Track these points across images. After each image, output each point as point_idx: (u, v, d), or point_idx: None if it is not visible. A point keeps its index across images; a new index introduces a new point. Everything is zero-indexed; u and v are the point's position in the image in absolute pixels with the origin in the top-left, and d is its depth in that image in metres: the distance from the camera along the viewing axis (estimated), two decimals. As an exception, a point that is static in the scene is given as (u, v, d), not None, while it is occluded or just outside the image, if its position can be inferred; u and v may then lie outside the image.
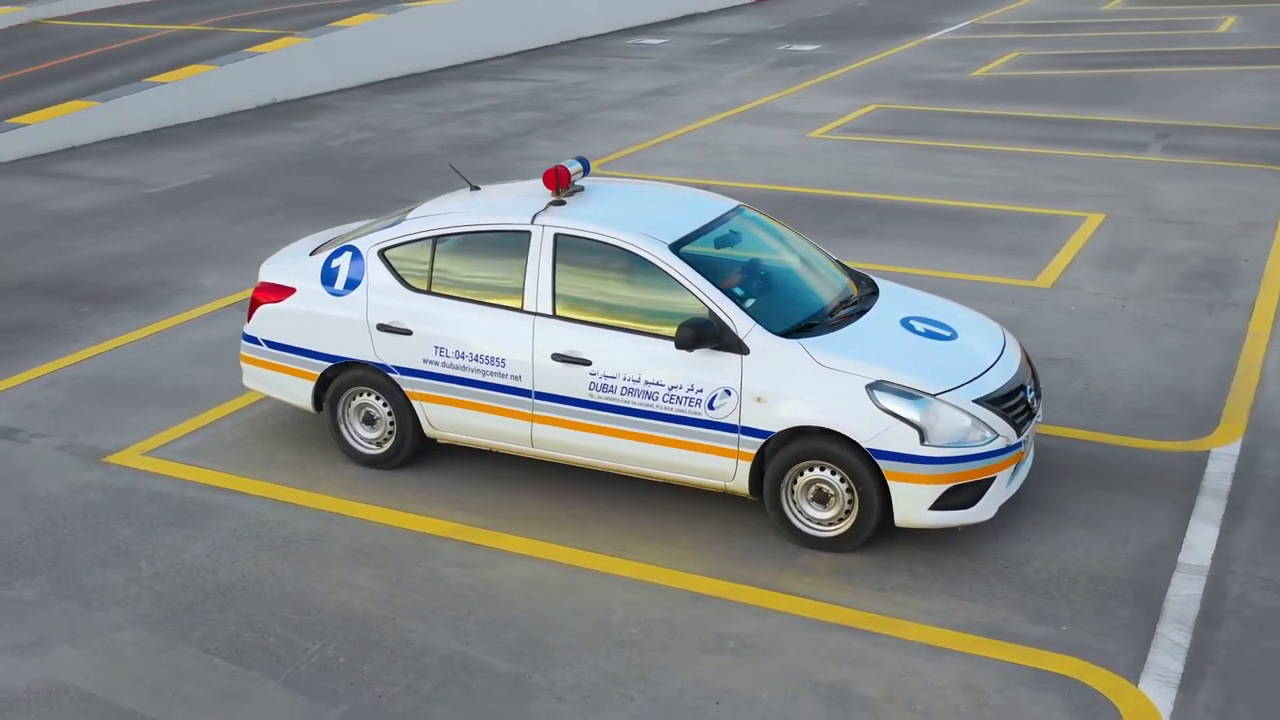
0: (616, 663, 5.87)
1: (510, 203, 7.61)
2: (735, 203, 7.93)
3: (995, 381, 6.80)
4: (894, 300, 7.44)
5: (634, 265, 7.02)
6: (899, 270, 11.20)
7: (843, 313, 7.17)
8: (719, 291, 6.83)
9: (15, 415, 8.65)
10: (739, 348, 6.71)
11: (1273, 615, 6.17)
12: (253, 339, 7.97)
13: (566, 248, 7.16)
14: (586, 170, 7.73)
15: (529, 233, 7.24)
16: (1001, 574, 6.58)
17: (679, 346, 6.68)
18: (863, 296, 7.45)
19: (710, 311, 6.77)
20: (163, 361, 9.52)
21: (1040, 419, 7.30)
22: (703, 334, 6.66)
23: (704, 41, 27.55)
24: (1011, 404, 6.81)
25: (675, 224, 7.25)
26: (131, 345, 9.89)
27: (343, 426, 7.81)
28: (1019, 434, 6.74)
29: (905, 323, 7.14)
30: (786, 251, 7.77)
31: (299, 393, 7.88)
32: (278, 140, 17.65)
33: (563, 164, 7.51)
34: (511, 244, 7.29)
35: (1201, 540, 6.85)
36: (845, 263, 8.04)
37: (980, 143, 16.73)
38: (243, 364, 8.12)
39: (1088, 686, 5.65)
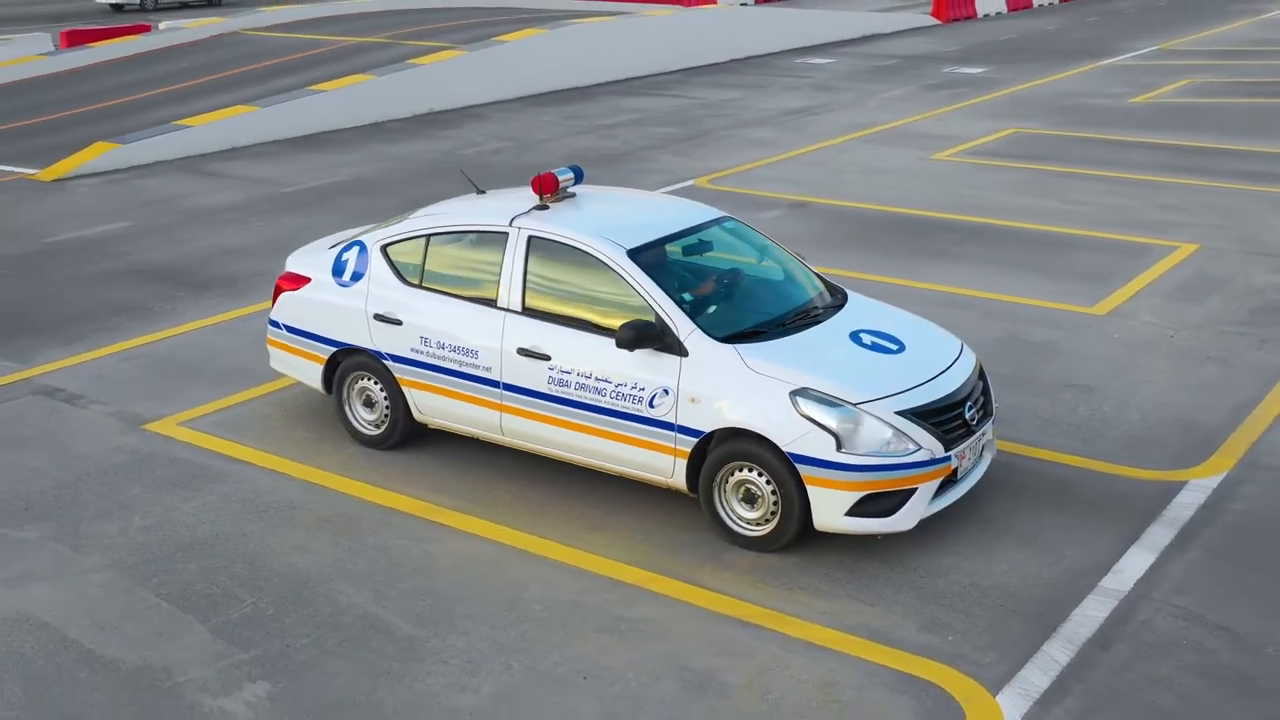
0: (510, 634, 6.27)
1: (498, 206, 8.09)
2: (719, 213, 8.23)
3: (929, 395, 6.93)
4: (854, 313, 7.62)
5: (594, 268, 7.41)
6: (947, 289, 11.31)
7: (796, 322, 7.39)
8: (666, 296, 7.16)
9: (84, 384, 9.58)
10: (679, 350, 7.03)
11: (1171, 641, 6.14)
12: (275, 324, 8.67)
13: (538, 249, 7.60)
14: (579, 179, 8.16)
15: (506, 234, 7.71)
16: (915, 583, 6.71)
17: (619, 345, 7.04)
18: (825, 308, 7.65)
19: (655, 314, 7.11)
20: (227, 343, 10.35)
21: (989, 436, 7.37)
22: (642, 335, 7.00)
23: (871, 62, 27.58)
24: (945, 419, 6.92)
25: (643, 231, 7.60)
26: (207, 328, 10.78)
27: (346, 408, 8.43)
28: (947, 449, 6.85)
29: (854, 335, 7.32)
30: (760, 263, 8.03)
31: (312, 374, 8.54)
32: (420, 147, 18.62)
33: (551, 171, 7.96)
34: (491, 244, 7.78)
35: (1132, 566, 6.82)
36: (822, 275, 8.22)
37: (1105, 169, 16.42)
38: (268, 347, 8.83)
39: (945, 693, 5.77)
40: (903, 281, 11.67)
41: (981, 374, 7.49)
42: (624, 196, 9.04)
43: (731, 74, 26.01)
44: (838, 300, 7.81)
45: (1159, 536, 7.13)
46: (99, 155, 17.19)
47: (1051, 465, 8.03)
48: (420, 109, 21.19)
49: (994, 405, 7.52)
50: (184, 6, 41.40)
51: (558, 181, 7.93)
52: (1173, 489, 7.70)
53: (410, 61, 21.76)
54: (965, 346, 7.62)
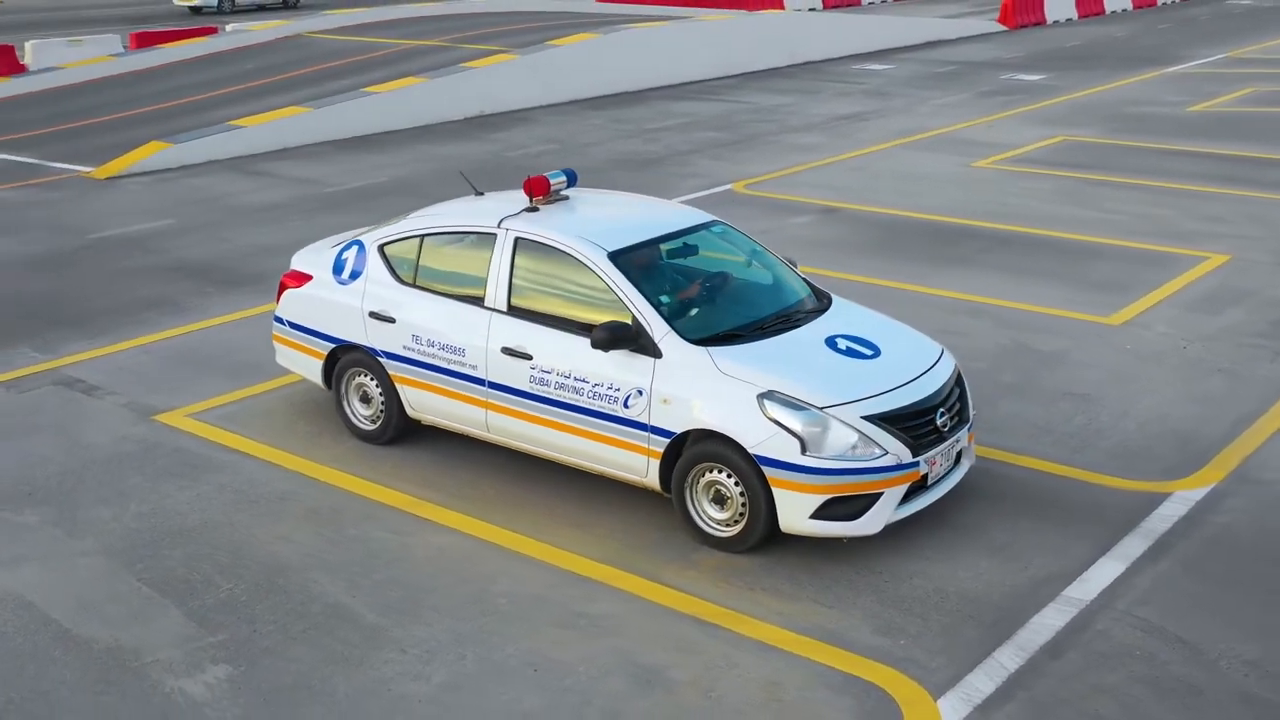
0: (470, 626, 6.41)
1: (490, 207, 8.24)
2: (708, 217, 8.32)
3: (899, 401, 6.96)
4: (835, 318, 7.66)
5: (576, 269, 7.53)
6: (962, 296, 11.32)
7: (774, 326, 7.46)
8: (643, 298, 7.27)
9: (104, 375, 9.89)
10: (653, 351, 7.13)
11: (1124, 651, 6.12)
12: (280, 320, 8.90)
13: (524, 250, 7.75)
14: (572, 182, 8.28)
15: (494, 235, 7.87)
16: (877, 587, 6.75)
17: (594, 346, 7.16)
18: (807, 312, 7.70)
19: (632, 316, 7.22)
20: (246, 339, 10.61)
21: (964, 443, 7.37)
22: (617, 336, 7.12)
23: (930, 68, 27.43)
24: (914, 424, 6.95)
25: (627, 234, 7.72)
26: (229, 323, 11.07)
27: (343, 403, 8.63)
28: (915, 454, 6.88)
29: (830, 340, 7.37)
30: (746, 267, 8.10)
31: (313, 370, 8.75)
32: (465, 149, 18.89)
33: (543, 174, 8.10)
34: (481, 244, 7.94)
35: (1100, 576, 6.80)
36: (809, 280, 8.26)
37: (1149, 178, 16.23)
38: (274, 342, 9.06)
39: (887, 695, 5.81)
40: (918, 288, 11.66)
41: (959, 380, 7.51)
42: (615, 199, 9.13)
43: (787, 79, 26.01)
44: (820, 305, 7.86)
45: (1133, 547, 7.10)
46: (152, 154, 17.65)
47: (1036, 474, 8.01)
48: (471, 112, 21.46)
49: (971, 412, 7.52)
50: (260, 9, 42.19)
51: (549, 184, 8.07)
52: (1155, 500, 7.65)
53: (463, 65, 22.05)
54: (945, 352, 7.64)
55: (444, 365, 7.95)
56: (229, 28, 28.44)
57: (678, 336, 7.14)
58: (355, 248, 8.56)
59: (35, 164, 18.18)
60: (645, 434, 7.17)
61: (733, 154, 18.38)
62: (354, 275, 8.46)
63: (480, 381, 7.80)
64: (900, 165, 17.40)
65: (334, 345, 8.55)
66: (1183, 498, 7.68)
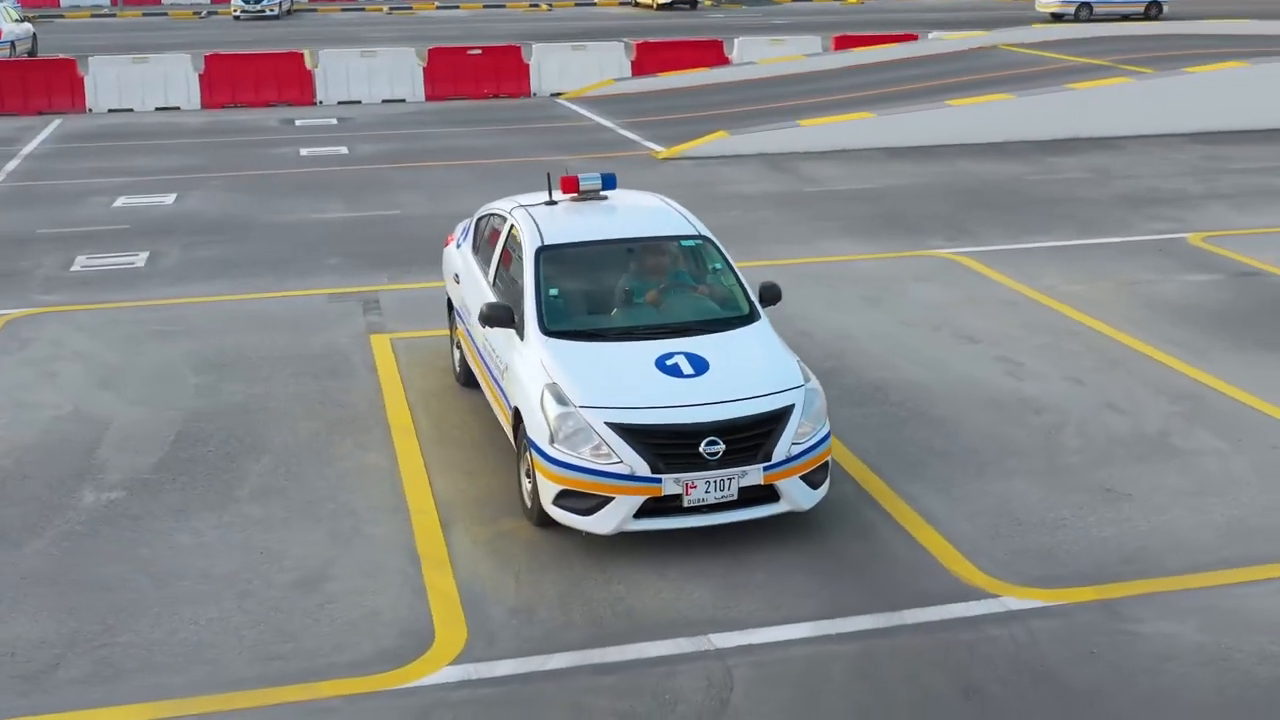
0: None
1: (526, 199, 9.42)
2: (692, 231, 8.84)
3: (652, 418, 7.33)
4: (707, 340, 7.93)
5: (520, 256, 8.62)
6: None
7: (636, 335, 7.97)
8: (533, 288, 8.22)
9: (400, 305, 12.47)
10: (520, 334, 8.11)
11: (682, 697, 6.21)
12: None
13: (511, 236, 8.98)
14: (606, 185, 9.19)
15: (507, 219, 9.17)
16: (604, 584, 7.25)
17: (479, 320, 8.34)
18: (689, 331, 8.02)
19: (522, 301, 8.22)
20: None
21: (751, 480, 7.36)
22: (494, 316, 8.21)
23: None
24: (667, 443, 7.27)
25: (575, 233, 8.69)
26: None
27: (453, 347, 10.31)
28: (655, 471, 7.19)
29: (665, 354, 7.72)
30: (678, 284, 8.54)
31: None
32: (998, 169, 18.80)
33: (575, 174, 9.17)
34: (500, 225, 9.29)
35: (779, 635, 6.69)
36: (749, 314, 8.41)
37: None
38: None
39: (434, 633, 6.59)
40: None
41: (776, 419, 7.45)
42: (623, 203, 9.44)
43: None
44: (714, 329, 8.11)
45: (862, 624, 6.82)
46: (709, 142, 19.95)
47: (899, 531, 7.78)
48: (1059, 134, 20.89)
49: (781, 455, 7.41)
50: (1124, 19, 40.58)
51: (578, 182, 9.10)
52: (969, 595, 7.08)
53: (1065, 85, 21.61)
54: (800, 395, 7.62)
55: (466, 324, 9.41)
56: (931, 35, 29.77)
57: (536, 325, 8.01)
58: (474, 218, 10.21)
59: (634, 140, 21.34)
60: (505, 400, 8.19)
61: (1214, 203, 16.51)
62: (460, 242, 10.16)
63: (473, 340, 9.19)
64: None
65: (448, 296, 10.32)
66: (1000, 603, 6.99)
